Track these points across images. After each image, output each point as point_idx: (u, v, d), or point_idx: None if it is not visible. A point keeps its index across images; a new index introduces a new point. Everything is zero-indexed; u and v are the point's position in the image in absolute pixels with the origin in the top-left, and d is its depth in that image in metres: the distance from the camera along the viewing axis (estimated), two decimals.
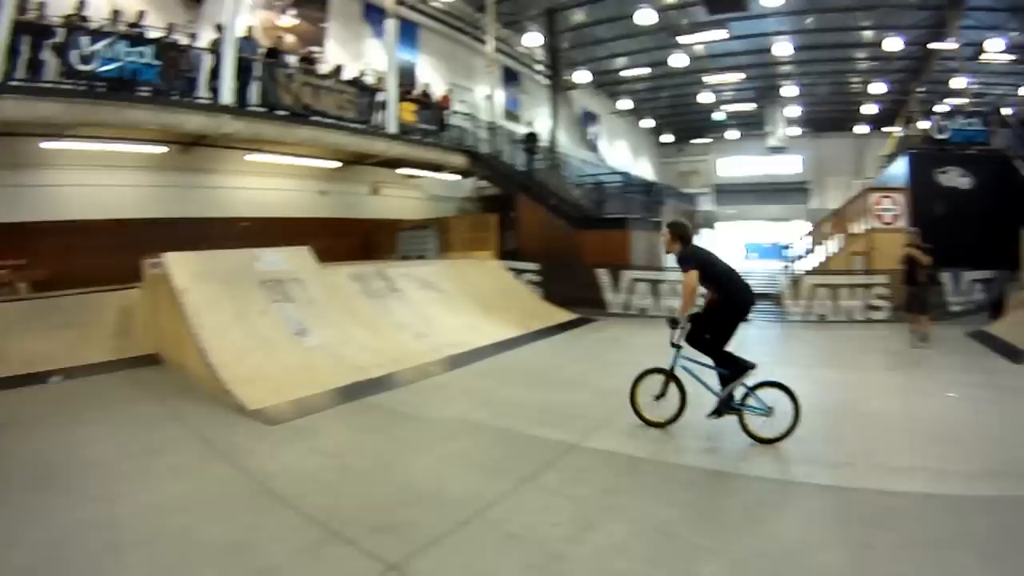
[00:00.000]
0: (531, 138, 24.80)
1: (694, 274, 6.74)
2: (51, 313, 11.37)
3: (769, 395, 6.70)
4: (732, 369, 6.80)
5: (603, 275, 17.79)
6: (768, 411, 6.62)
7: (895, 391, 9.18)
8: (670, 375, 7.19)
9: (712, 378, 7.07)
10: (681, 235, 7.04)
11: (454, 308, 13.40)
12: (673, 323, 6.89)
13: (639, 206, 23.03)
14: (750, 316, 7.10)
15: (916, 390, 9.23)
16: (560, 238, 19.39)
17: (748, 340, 13.38)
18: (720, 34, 30.14)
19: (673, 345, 7.00)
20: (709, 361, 7.00)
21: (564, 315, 16.14)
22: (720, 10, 27.34)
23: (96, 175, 15.41)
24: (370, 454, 6.71)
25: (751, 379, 6.80)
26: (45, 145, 14.15)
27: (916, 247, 12.49)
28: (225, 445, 6.93)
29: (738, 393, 6.81)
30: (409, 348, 11.36)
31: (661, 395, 7.22)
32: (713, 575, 4.15)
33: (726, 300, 6.84)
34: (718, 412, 6.90)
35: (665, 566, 4.27)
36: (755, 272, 19.08)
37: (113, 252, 13.74)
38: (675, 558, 4.37)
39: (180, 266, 10.29)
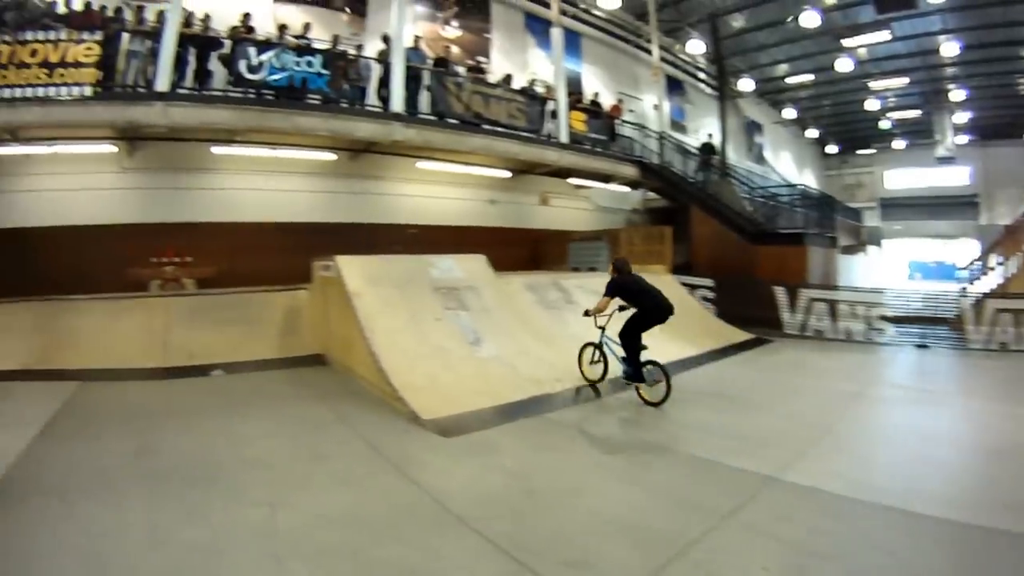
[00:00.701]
0: (707, 149, 24.07)
1: (606, 299, 9.25)
2: (216, 309, 11.69)
3: (654, 371, 8.87)
4: (632, 360, 9.09)
5: (780, 293, 16.68)
6: (655, 382, 8.81)
7: None
8: (599, 347, 9.81)
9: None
10: (617, 268, 9.55)
11: None
12: (586, 313, 9.59)
13: (812, 220, 21.69)
14: (666, 321, 9.22)
15: None
16: (734, 253, 18.59)
17: (933, 369, 12.59)
18: (883, 35, 28.47)
19: (598, 327, 9.57)
20: (621, 351, 9.32)
21: (740, 334, 15.17)
22: (889, 8, 25.64)
23: (264, 179, 15.87)
24: (555, 476, 6.10)
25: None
26: (216, 150, 14.61)
27: None
28: (397, 455, 6.48)
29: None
30: None
31: (595, 361, 9.91)
32: None
33: (641, 312, 9.12)
34: (627, 379, 9.25)
35: None
36: (927, 294, 17.36)
37: (278, 254, 14.11)
38: None
39: (353, 269, 10.15)
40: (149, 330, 10.98)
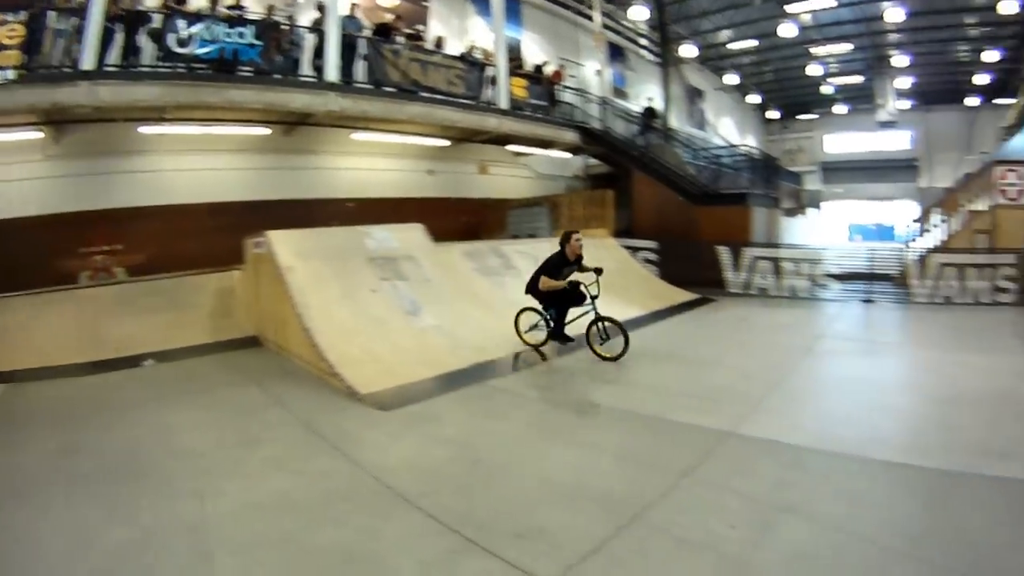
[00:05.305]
0: (650, 113, 23.93)
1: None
2: (146, 296, 11.19)
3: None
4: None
5: (723, 253, 16.73)
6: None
7: None
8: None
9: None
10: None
11: None
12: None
13: (754, 182, 21.72)
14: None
15: None
16: (677, 215, 18.55)
17: (880, 322, 12.91)
18: (828, 1, 28.77)
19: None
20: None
21: (684, 295, 15.20)
22: None
23: (195, 159, 15.41)
24: (500, 444, 5.87)
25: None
26: (143, 130, 14.10)
27: None
28: (334, 434, 6.15)
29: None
30: None
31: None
32: None
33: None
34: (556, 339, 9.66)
35: (860, 573, 3.66)
36: (871, 251, 17.55)
37: (213, 235, 13.72)
38: (868, 562, 3.76)
39: (284, 244, 9.74)
40: (78, 323, 10.43)
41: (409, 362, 8.27)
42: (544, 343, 9.67)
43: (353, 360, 7.93)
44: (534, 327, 9.79)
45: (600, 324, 9.13)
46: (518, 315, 9.91)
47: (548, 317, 9.63)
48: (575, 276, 9.46)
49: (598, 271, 9.54)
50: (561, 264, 9.45)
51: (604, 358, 8.87)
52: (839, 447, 5.50)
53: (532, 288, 9.58)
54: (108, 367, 9.31)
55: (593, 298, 9.24)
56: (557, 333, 9.57)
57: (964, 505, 4.42)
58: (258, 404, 7.32)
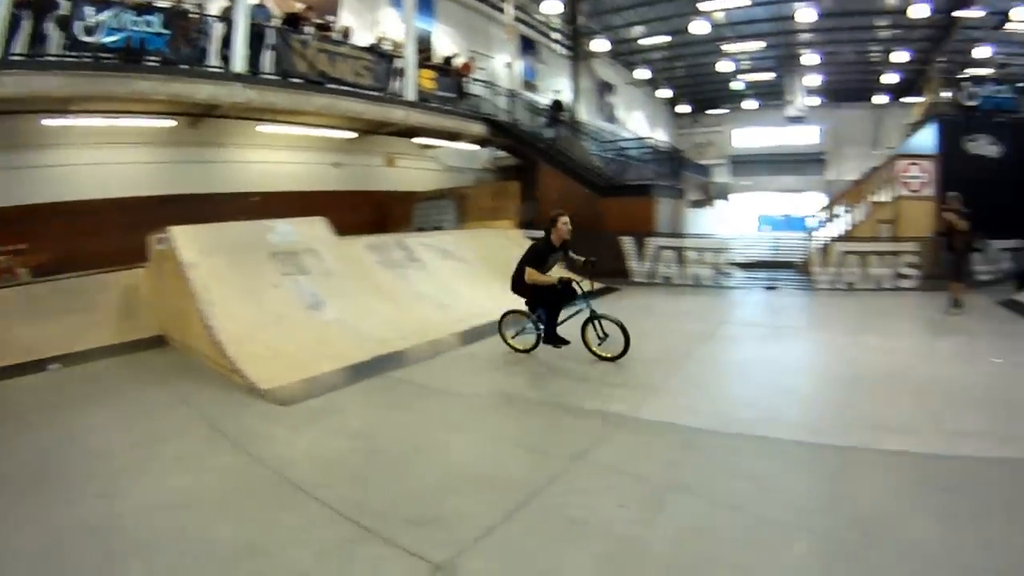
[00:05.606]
0: (556, 106, 24.43)
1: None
2: (50, 298, 10.77)
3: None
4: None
5: (627, 243, 17.28)
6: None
7: (941, 357, 8.90)
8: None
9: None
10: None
11: (476, 278, 12.81)
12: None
13: (660, 174, 22.44)
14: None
15: (960, 355, 8.93)
16: (583, 207, 18.61)
17: (783, 308, 13.45)
18: None
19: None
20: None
21: (588, 284, 15.31)
22: None
23: (100, 153, 14.98)
24: (400, 435, 6.03)
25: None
26: (47, 122, 13.73)
27: (955, 212, 11.81)
28: (236, 430, 6.23)
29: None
30: (432, 319, 10.75)
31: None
32: (804, 553, 3.78)
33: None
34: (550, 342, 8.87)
35: (752, 546, 3.84)
36: (774, 240, 18.48)
37: (119, 232, 13.21)
38: (760, 536, 3.95)
39: (187, 239, 9.64)
40: None
41: (311, 356, 8.35)
42: (535, 347, 9.02)
43: (255, 356, 7.98)
44: (521, 331, 9.21)
45: (597, 322, 8.59)
46: (501, 319, 9.39)
47: (536, 319, 8.89)
48: (564, 271, 8.99)
49: (590, 262, 8.82)
50: (546, 251, 8.80)
51: (603, 358, 8.43)
52: (737, 428, 5.77)
53: (518, 284, 8.90)
54: (11, 373, 9.02)
55: (586, 294, 8.71)
56: (550, 335, 8.82)
57: (859, 478, 4.73)
58: (163, 404, 7.30)
